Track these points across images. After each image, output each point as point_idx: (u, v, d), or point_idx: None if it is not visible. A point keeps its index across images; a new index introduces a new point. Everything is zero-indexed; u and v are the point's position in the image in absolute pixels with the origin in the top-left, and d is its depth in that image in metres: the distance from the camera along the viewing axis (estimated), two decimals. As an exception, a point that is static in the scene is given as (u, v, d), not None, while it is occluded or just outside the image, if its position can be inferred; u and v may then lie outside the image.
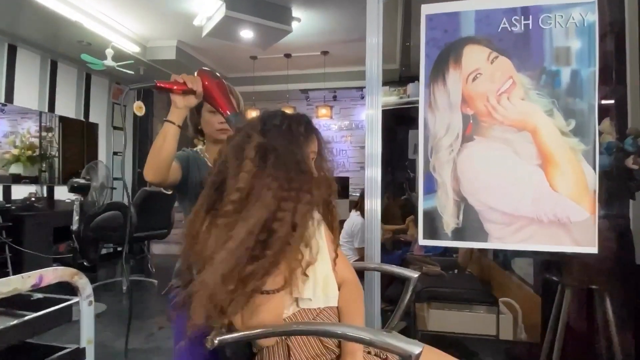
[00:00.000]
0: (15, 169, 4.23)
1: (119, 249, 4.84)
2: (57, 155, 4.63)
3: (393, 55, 4.14)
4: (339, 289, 0.93)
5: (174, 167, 1.17)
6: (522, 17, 1.41)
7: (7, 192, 3.91)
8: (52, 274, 0.74)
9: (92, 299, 0.79)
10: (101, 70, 3.77)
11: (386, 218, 3.63)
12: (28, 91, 4.10)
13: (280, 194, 0.77)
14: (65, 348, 0.76)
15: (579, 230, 1.33)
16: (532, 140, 1.38)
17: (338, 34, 4.08)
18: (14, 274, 3.37)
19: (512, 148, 1.40)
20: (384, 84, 5.09)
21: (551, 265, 1.85)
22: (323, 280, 0.88)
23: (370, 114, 1.56)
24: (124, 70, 3.69)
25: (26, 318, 0.71)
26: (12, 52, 3.87)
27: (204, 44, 4.41)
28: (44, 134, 4.49)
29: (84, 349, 0.79)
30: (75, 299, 0.80)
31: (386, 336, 0.67)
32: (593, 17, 1.36)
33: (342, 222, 3.63)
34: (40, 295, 0.80)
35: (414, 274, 1.12)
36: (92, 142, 4.92)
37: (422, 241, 1.49)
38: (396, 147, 3.84)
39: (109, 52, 3.59)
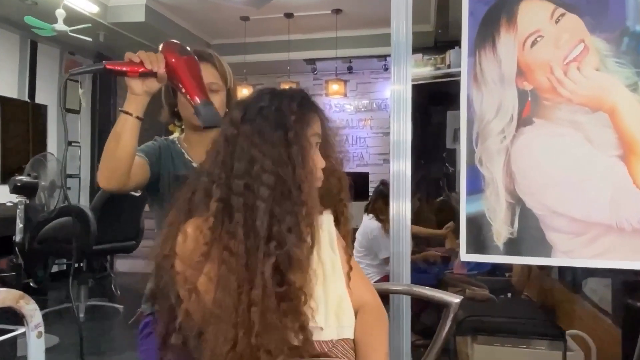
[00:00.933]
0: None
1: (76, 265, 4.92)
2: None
3: (427, 14, 4.12)
4: (355, 316, 0.93)
5: (139, 165, 1.17)
6: (598, -40, 1.39)
7: None
8: None
9: (41, 329, 0.81)
10: (50, 36, 3.82)
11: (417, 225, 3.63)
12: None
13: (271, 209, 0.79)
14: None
15: (672, 241, 1.32)
16: (610, 123, 1.36)
17: (354, -14, 4.08)
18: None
19: (584, 134, 1.39)
20: (415, 50, 5.09)
21: (636, 287, 1.82)
22: (336, 304, 0.88)
23: (396, 91, 1.56)
24: (79, 36, 3.73)
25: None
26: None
27: (182, 2, 4.44)
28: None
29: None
30: (21, 330, 0.81)
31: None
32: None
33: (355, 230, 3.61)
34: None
35: (455, 299, 1.12)
36: (39, 129, 4.99)
37: (464, 256, 1.48)
38: (430, 133, 3.82)
39: (60, 13, 3.63)
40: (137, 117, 1.08)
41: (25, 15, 3.58)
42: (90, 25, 3.89)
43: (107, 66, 1.06)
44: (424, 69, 4.85)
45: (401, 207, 1.54)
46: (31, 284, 3.98)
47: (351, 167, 5.82)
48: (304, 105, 0.90)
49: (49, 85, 5.06)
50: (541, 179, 1.43)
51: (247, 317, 0.75)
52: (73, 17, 3.86)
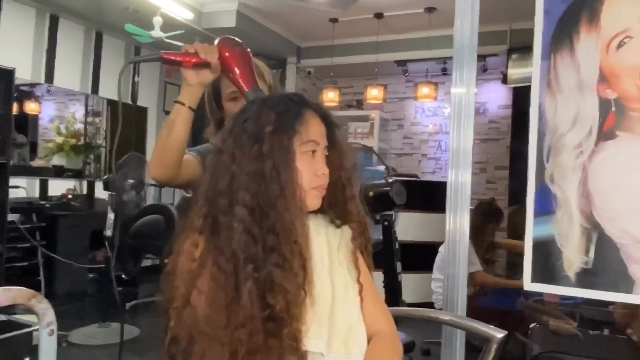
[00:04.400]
0: (58, 159, 4.89)
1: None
2: (103, 144, 5.25)
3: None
4: (368, 342, 0.89)
5: (190, 162, 1.23)
6: None
7: (43, 187, 4.52)
8: (2, 296, 0.84)
9: (54, 327, 0.87)
10: (149, 43, 4.16)
11: (515, 237, 3.41)
12: (71, 69, 4.69)
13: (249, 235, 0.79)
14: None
15: None
16: None
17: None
18: (46, 285, 3.92)
19: (680, 151, 1.21)
20: (522, 49, 4.80)
21: None
22: (345, 329, 0.85)
23: (457, 94, 1.49)
24: (175, 42, 4.01)
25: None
26: (53, 23, 4.46)
27: (272, 7, 4.60)
28: (90, 119, 5.12)
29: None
30: (35, 326, 0.88)
31: None
32: None
33: (429, 245, 3.46)
34: (3, 317, 0.91)
35: (498, 334, 1.03)
36: (141, 129, 5.45)
37: (528, 285, 1.38)
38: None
39: (157, 20, 3.93)
40: (190, 108, 1.14)
41: (126, 23, 3.94)
42: (183, 31, 4.17)
43: (164, 55, 1.13)
44: (523, 70, 4.58)
45: (458, 221, 1.47)
46: (123, 276, 4.33)
47: (444, 175, 5.64)
48: (287, 112, 0.86)
49: (149, 89, 5.52)
50: (624, 203, 1.28)
51: (235, 338, 0.75)
52: (171, 24, 4.16)
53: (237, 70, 1.15)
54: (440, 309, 1.83)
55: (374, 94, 5.28)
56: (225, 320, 0.76)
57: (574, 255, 1.32)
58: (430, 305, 3.06)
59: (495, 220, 3.11)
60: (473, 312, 1.45)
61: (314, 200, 0.88)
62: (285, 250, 0.79)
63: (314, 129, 0.88)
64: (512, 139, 5.29)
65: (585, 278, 1.31)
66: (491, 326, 1.04)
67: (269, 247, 0.78)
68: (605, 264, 1.29)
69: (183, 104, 1.13)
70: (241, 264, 0.77)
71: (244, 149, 0.84)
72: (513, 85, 4.86)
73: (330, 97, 5.32)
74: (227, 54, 1.14)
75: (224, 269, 0.78)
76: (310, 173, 0.87)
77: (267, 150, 0.83)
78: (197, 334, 0.78)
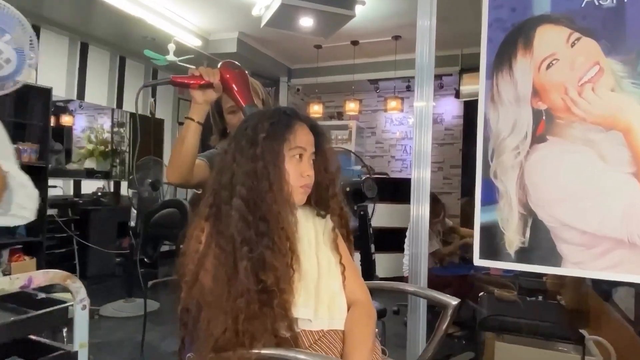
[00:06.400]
0: (89, 163, 4.82)
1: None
2: (127, 150, 5.18)
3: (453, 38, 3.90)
4: (348, 309, 0.89)
5: (200, 166, 1.22)
6: (615, -14, 1.23)
7: (77, 186, 4.45)
8: (42, 277, 0.83)
9: (86, 302, 0.87)
10: (165, 65, 4.11)
11: (467, 222, 3.45)
12: (99, 88, 4.62)
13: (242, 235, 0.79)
14: (57, 349, 0.85)
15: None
16: (624, 142, 1.20)
17: (410, 15, 3.95)
18: (80, 267, 3.86)
19: (597, 151, 1.23)
20: (471, 69, 4.85)
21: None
22: (329, 299, 0.85)
23: (419, 107, 1.49)
24: (186, 65, 3.97)
25: (13, 319, 0.81)
26: (83, 49, 4.39)
27: (265, 35, 4.57)
28: (116, 129, 5.05)
29: (75, 352, 0.86)
30: (71, 302, 0.88)
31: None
32: None
33: (398, 230, 3.50)
34: (43, 295, 0.90)
35: (453, 301, 1.04)
36: (158, 137, 5.39)
37: (477, 261, 1.39)
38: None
39: (171, 46, 3.89)
40: (198, 122, 1.13)
41: (145, 49, 3.89)
42: (193, 55, 4.13)
43: (174, 79, 1.13)
44: (476, 87, 4.61)
45: (420, 210, 1.48)
46: (145, 260, 4.28)
47: (409, 173, 5.66)
48: (279, 122, 0.86)
49: (165, 104, 5.46)
50: (553, 193, 1.29)
51: (235, 306, 0.75)
52: (182, 50, 4.12)
53: (235, 89, 1.14)
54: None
55: (351, 107, 5.28)
56: (226, 292, 0.76)
57: (513, 237, 1.34)
58: (399, 279, 3.08)
59: (434, 204, 3.16)
60: (433, 282, 1.45)
61: (300, 196, 0.88)
62: (274, 235, 0.79)
63: (301, 138, 0.88)
64: (463, 143, 5.33)
65: (523, 255, 1.33)
66: (448, 295, 1.05)
67: (260, 232, 0.78)
68: (538, 243, 1.30)
69: (193, 120, 1.12)
70: (238, 245, 0.77)
71: (243, 151, 0.84)
72: (464, 99, 4.89)
73: (315, 110, 5.30)
74: (227, 76, 1.14)
75: (224, 249, 0.78)
76: (297, 174, 0.87)
77: (260, 152, 0.83)
78: (204, 304, 0.78)
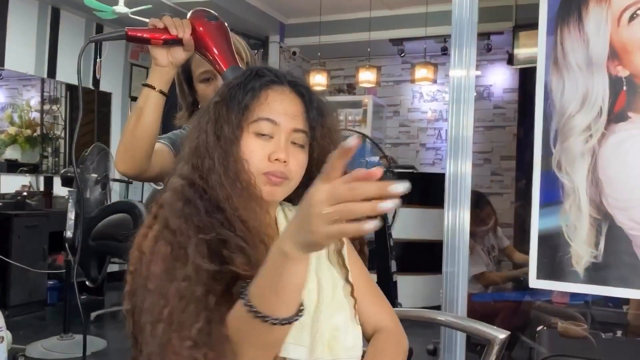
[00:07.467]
0: (10, 153, 4.85)
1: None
2: (62, 135, 5.22)
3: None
4: (369, 339, 0.91)
5: (162, 152, 1.23)
6: None
7: (-5, 183, 4.48)
8: None
9: (3, 334, 0.87)
10: (112, 19, 4.12)
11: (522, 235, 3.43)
12: (24, 50, 4.64)
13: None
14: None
15: None
16: None
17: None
18: (-1, 290, 3.89)
19: (697, 134, 1.25)
20: (530, 26, 4.83)
21: None
22: (330, 334, 0.87)
23: (457, 77, 1.50)
24: (141, 18, 3.99)
25: None
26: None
27: (251, -23, 4.58)
28: (47, 106, 5.07)
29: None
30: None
31: None
32: None
33: (431, 243, 3.47)
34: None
35: (500, 334, 1.06)
36: (105, 118, 5.42)
37: (534, 282, 1.41)
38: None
39: (121, -6, 3.91)
40: (161, 92, 1.13)
41: (86, -3, 3.91)
42: (151, 5, 4.15)
43: (129, 32, 1.12)
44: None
45: (458, 217, 1.49)
46: (87, 283, 4.31)
47: (443, 167, 5.69)
48: (240, 85, 0.86)
49: (113, 72, 5.48)
50: (637, 191, 1.31)
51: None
52: (136, -2, 4.13)
53: (213, 47, 1.14)
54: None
55: (366, 77, 5.28)
56: (171, 276, 0.77)
57: (582, 249, 1.36)
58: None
59: (479, 208, 3.17)
60: (475, 311, 1.47)
61: (264, 187, 0.85)
62: (234, 223, 0.79)
63: (274, 106, 0.86)
64: (519, 125, 5.33)
65: (595, 273, 1.34)
66: (493, 327, 1.07)
67: (218, 220, 0.79)
68: (616, 257, 1.32)
69: (153, 88, 1.12)
70: (184, 228, 0.78)
71: (194, 123, 0.87)
72: (520, 67, 4.88)
73: (317, 81, 5.31)
74: (201, 29, 1.14)
75: (169, 236, 0.79)
76: (261, 155, 0.85)
77: (205, 122, 0.84)
78: (145, 292, 0.78)
